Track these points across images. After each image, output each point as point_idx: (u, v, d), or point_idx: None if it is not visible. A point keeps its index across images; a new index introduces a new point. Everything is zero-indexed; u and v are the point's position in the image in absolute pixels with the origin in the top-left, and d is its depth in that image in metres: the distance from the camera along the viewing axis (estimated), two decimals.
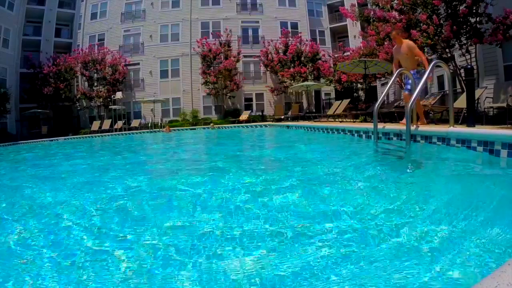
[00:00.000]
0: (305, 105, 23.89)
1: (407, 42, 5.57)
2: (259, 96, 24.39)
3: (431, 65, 4.33)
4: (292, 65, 21.73)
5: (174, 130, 17.71)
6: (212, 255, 1.32)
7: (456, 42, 8.77)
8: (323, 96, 24.74)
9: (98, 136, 18.04)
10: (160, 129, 18.57)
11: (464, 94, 6.38)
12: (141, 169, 4.40)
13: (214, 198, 2.21)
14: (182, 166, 4.35)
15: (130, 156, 6.31)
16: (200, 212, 1.92)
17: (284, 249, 1.36)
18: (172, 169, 4.19)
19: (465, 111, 5.92)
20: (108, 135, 18.00)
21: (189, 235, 1.54)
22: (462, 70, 8.65)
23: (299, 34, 23.27)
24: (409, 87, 5.54)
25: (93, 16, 24.86)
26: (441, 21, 8.50)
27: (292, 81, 21.70)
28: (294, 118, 18.58)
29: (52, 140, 16.74)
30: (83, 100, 23.15)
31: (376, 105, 5.28)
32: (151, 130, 19.26)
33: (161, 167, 4.51)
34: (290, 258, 1.27)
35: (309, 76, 21.80)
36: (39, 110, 20.86)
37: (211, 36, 23.18)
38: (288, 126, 12.54)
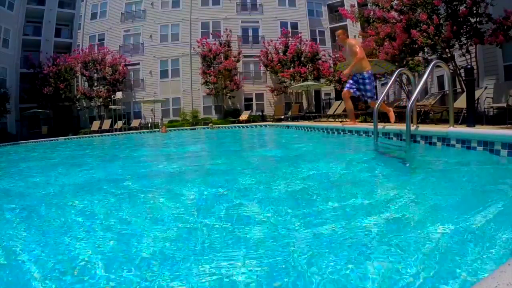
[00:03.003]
0: (305, 105, 23.90)
1: (348, 42, 5.51)
2: (259, 96, 24.41)
3: (431, 65, 4.33)
4: (292, 65, 21.75)
5: (169, 130, 17.85)
6: None
7: (456, 42, 8.78)
8: (323, 96, 24.76)
9: (98, 136, 18.06)
10: (160, 129, 18.62)
11: (464, 94, 6.38)
12: None
13: None
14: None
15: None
16: None
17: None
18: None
19: (465, 111, 5.93)
20: (108, 135, 18.01)
21: None
22: (462, 70, 8.65)
23: (299, 34, 23.29)
24: (348, 85, 5.65)
25: (93, 16, 24.88)
26: (441, 21, 8.50)
27: (292, 81, 21.73)
28: (294, 118, 18.58)
29: (52, 140, 16.75)
30: (83, 100, 23.18)
31: (376, 105, 5.28)
32: (151, 130, 19.28)
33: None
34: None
35: (309, 76, 21.83)
36: (39, 110, 20.88)
37: (211, 36, 23.20)
38: (288, 126, 12.54)
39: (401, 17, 9.30)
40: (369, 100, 5.57)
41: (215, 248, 1.33)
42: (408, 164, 3.40)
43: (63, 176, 3.80)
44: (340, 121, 11.42)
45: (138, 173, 3.72)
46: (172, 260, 1.23)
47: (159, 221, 1.73)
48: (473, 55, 9.13)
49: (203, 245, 1.37)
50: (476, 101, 7.18)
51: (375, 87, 5.31)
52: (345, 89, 5.78)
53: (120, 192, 2.56)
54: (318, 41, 24.56)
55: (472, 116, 4.33)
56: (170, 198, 2.24)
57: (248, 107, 23.97)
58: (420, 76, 11.16)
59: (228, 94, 22.88)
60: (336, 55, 22.47)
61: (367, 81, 5.42)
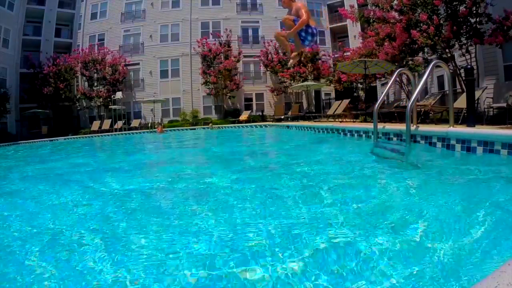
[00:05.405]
0: (305, 105, 23.90)
1: (295, 5, 5.30)
2: (259, 96, 24.40)
3: (431, 65, 4.33)
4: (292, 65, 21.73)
5: (166, 130, 17.79)
6: None
7: (456, 42, 8.77)
8: (323, 96, 24.75)
9: (98, 136, 18.05)
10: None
11: (464, 94, 6.38)
12: None
13: None
14: None
15: None
16: None
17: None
18: None
19: (465, 111, 5.93)
20: (108, 135, 18.02)
21: None
22: (462, 70, 8.64)
23: None
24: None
25: (93, 16, 24.86)
26: (441, 21, 8.50)
27: (292, 81, 21.73)
28: (294, 118, 18.58)
29: (52, 140, 16.74)
30: (83, 100, 23.15)
31: (376, 105, 5.29)
32: (150, 130, 19.27)
33: None
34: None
35: (309, 76, 21.83)
36: (39, 110, 20.85)
37: (211, 36, 23.20)
38: (288, 126, 12.55)
39: (401, 17, 9.29)
40: (306, 43, 5.30)
41: None
42: (408, 164, 3.40)
43: None
44: (340, 121, 11.43)
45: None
46: None
47: None
48: (473, 55, 9.12)
49: None
50: (476, 101, 7.18)
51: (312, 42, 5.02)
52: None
53: None
54: (318, 41, 24.55)
55: (472, 116, 4.33)
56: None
57: (248, 107, 23.96)
58: (420, 76, 11.16)
59: (228, 94, 22.87)
60: (336, 55, 22.51)
61: (309, 30, 5.18)
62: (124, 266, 1.27)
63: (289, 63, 5.59)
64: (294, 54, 5.16)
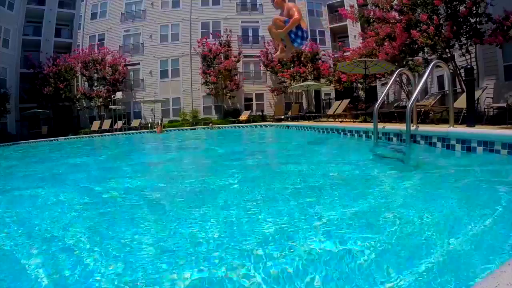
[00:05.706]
0: (305, 105, 23.90)
1: (287, 5, 5.18)
2: (259, 96, 24.41)
3: (431, 65, 4.33)
4: (292, 65, 21.75)
5: (166, 130, 17.77)
6: None
7: (456, 42, 8.77)
8: (323, 96, 24.75)
9: (98, 136, 18.05)
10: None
11: (464, 94, 6.38)
12: None
13: None
14: None
15: None
16: None
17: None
18: None
19: (465, 111, 5.93)
20: (108, 135, 18.02)
21: None
22: (462, 70, 8.65)
23: None
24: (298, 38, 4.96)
25: (93, 16, 24.86)
26: (441, 21, 8.50)
27: (292, 81, 21.73)
28: (294, 118, 18.58)
29: (52, 140, 16.74)
30: (83, 100, 23.14)
31: (376, 105, 5.29)
32: (150, 130, 19.28)
33: None
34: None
35: (309, 76, 21.83)
36: (39, 110, 20.84)
37: (211, 36, 23.21)
38: (288, 126, 12.55)
39: (401, 17, 9.30)
40: (295, 45, 5.18)
41: None
42: (408, 164, 3.40)
43: None
44: (340, 121, 11.43)
45: None
46: None
47: None
48: (473, 55, 9.12)
49: None
50: (476, 101, 7.18)
51: (304, 42, 4.88)
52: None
53: None
54: (318, 41, 24.56)
55: (472, 116, 4.34)
56: None
57: (248, 107, 23.96)
58: (420, 76, 11.16)
59: (228, 94, 22.88)
60: (336, 55, 22.51)
61: (299, 33, 5.07)
62: (123, 263, 1.27)
63: (275, 55, 5.55)
64: (283, 54, 5.16)
